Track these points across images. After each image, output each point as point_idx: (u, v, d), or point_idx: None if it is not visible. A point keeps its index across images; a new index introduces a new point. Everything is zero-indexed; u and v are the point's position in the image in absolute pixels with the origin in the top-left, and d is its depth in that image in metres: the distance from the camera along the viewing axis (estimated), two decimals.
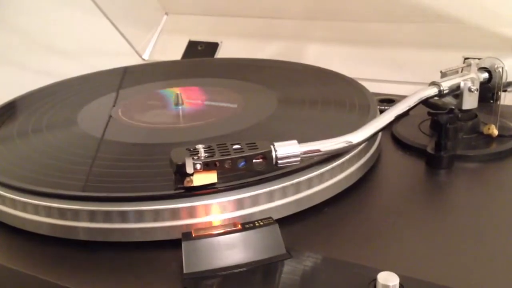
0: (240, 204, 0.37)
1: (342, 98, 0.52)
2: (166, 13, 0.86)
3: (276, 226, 0.35)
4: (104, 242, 0.37)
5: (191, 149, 0.37)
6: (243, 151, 0.36)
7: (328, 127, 0.46)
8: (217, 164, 0.36)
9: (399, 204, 0.41)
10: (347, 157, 0.42)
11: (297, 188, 0.39)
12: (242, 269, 0.33)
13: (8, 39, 0.96)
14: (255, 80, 0.59)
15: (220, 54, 0.79)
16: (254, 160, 0.36)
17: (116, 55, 0.88)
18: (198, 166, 0.35)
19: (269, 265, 0.33)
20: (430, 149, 0.46)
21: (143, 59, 0.84)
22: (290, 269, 0.33)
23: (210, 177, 0.36)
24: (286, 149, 0.37)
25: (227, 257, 0.33)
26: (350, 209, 0.41)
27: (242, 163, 0.36)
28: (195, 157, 0.35)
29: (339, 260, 0.33)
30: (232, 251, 0.33)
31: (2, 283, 0.37)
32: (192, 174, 0.36)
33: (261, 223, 0.35)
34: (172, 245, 0.36)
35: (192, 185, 0.36)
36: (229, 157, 0.36)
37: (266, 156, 0.37)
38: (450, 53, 0.68)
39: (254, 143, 0.37)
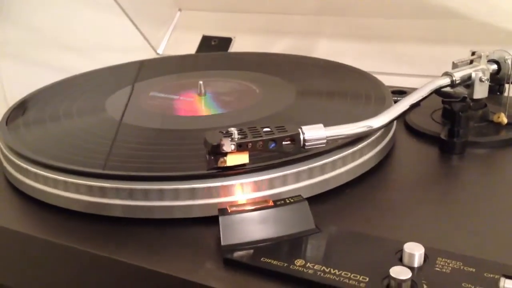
0: (270, 184, 0.39)
1: (358, 90, 0.55)
2: (180, 9, 0.89)
3: (306, 202, 0.37)
4: (140, 219, 0.39)
5: (224, 131, 0.39)
6: (273, 134, 0.39)
7: (346, 117, 0.49)
8: (250, 145, 0.38)
9: (416, 185, 0.44)
10: (366, 142, 0.44)
11: (322, 170, 0.41)
12: (274, 242, 0.35)
13: (22, 36, 0.98)
14: (273, 73, 0.62)
15: (234, 49, 0.81)
16: (283, 142, 0.39)
17: (129, 50, 0.90)
18: (233, 147, 0.37)
19: (299, 239, 0.35)
20: (443, 136, 0.49)
21: (158, 54, 0.86)
22: (319, 243, 0.35)
23: (243, 158, 0.38)
24: (313, 132, 0.39)
25: (260, 231, 0.36)
26: (370, 191, 0.43)
27: (273, 145, 0.39)
28: (229, 139, 0.37)
29: (365, 234, 0.36)
30: (265, 225, 0.36)
31: (51, 258, 0.39)
32: (225, 155, 0.38)
33: (292, 200, 0.37)
34: (205, 221, 0.38)
35: (225, 165, 0.38)
36: (261, 138, 0.38)
37: (295, 138, 0.39)
38: (458, 48, 0.70)
39: (283, 126, 0.40)
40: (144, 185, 0.38)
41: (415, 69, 0.72)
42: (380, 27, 0.76)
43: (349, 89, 0.56)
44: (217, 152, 0.38)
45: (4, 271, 0.43)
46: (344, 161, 0.42)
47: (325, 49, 0.78)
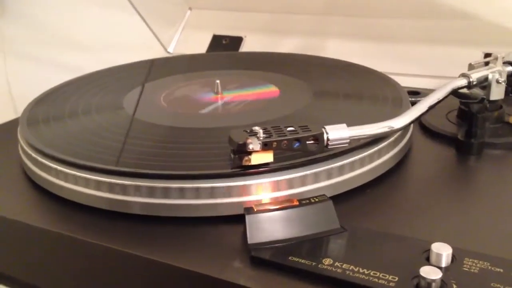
0: (293, 183, 0.39)
1: (375, 91, 0.55)
2: (190, 8, 0.89)
3: (330, 202, 0.37)
4: (160, 217, 0.39)
5: (248, 130, 0.39)
6: (297, 133, 0.39)
7: (363, 118, 0.49)
8: (275, 144, 0.38)
9: (436, 185, 0.44)
10: (387, 142, 0.44)
11: (344, 169, 0.41)
12: (300, 241, 0.35)
13: (28, 33, 0.98)
14: (288, 73, 0.62)
15: (244, 48, 0.82)
16: (307, 142, 0.39)
17: (136, 49, 0.90)
18: (258, 146, 0.38)
19: (325, 238, 0.36)
20: (460, 136, 0.49)
21: (168, 53, 0.86)
22: (345, 242, 0.35)
23: (267, 157, 0.39)
24: (337, 132, 0.40)
25: (285, 230, 0.36)
26: (391, 191, 0.43)
27: (297, 144, 0.39)
28: (256, 138, 0.38)
29: (390, 233, 0.36)
30: (290, 224, 0.36)
31: (75, 255, 0.39)
32: (250, 154, 0.38)
33: (316, 200, 0.37)
34: (228, 220, 0.39)
35: (250, 164, 0.38)
36: (286, 138, 0.38)
37: (319, 138, 0.39)
38: (468, 49, 0.70)
39: (306, 125, 0.40)
40: (167, 183, 0.38)
41: (423, 69, 0.72)
42: (388, 27, 0.76)
43: (365, 89, 0.56)
44: (243, 150, 0.38)
45: (23, 267, 0.43)
46: (365, 161, 0.43)
47: (333, 48, 0.78)
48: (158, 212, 0.39)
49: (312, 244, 0.35)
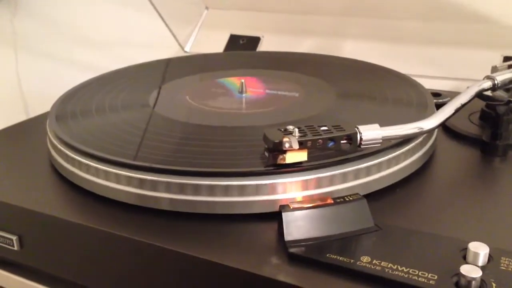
0: (326, 182, 0.40)
1: (399, 93, 0.55)
2: (207, 8, 0.89)
3: (364, 200, 0.38)
4: (192, 214, 0.40)
5: (282, 129, 0.40)
6: (332, 132, 0.40)
7: (389, 120, 0.49)
8: (310, 143, 0.39)
9: (463, 186, 0.45)
10: (415, 143, 0.45)
11: (376, 169, 0.42)
12: (336, 239, 0.36)
13: (41, 29, 0.98)
14: (310, 73, 0.62)
15: (261, 48, 0.82)
16: (341, 141, 0.40)
17: (151, 48, 0.91)
18: (296, 144, 0.38)
19: (361, 236, 0.36)
20: (485, 138, 0.50)
21: (185, 52, 0.87)
22: (381, 241, 0.36)
23: (301, 155, 0.39)
24: (370, 132, 0.40)
25: (321, 228, 0.36)
26: (420, 190, 0.44)
27: (331, 143, 0.39)
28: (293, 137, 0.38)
29: (425, 232, 0.36)
30: (325, 222, 0.37)
31: (114, 251, 0.40)
32: (285, 152, 0.39)
33: (350, 198, 0.38)
34: (261, 217, 0.39)
35: (284, 162, 0.39)
36: (321, 137, 0.39)
37: (352, 137, 0.40)
38: (486, 51, 0.71)
39: (339, 125, 0.41)
40: (204, 180, 0.39)
41: (440, 71, 0.73)
42: (405, 29, 0.77)
43: (388, 91, 0.56)
44: (278, 149, 0.38)
45: (59, 264, 0.43)
46: (394, 161, 0.43)
47: (350, 49, 0.79)
48: (193, 209, 0.40)
49: (349, 242, 0.36)
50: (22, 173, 0.48)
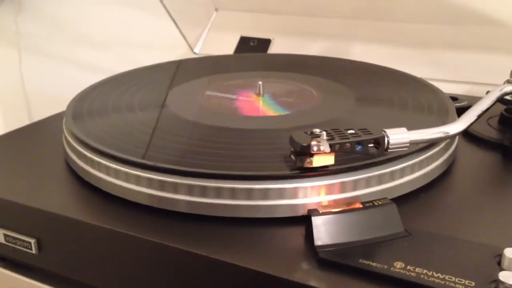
0: (352, 186, 0.39)
1: (419, 98, 0.54)
2: (216, 9, 0.89)
3: (394, 205, 0.37)
4: (216, 217, 0.39)
5: (308, 132, 0.39)
6: (359, 136, 0.39)
7: (411, 125, 0.49)
8: (338, 146, 0.38)
9: (488, 190, 0.44)
10: (439, 147, 0.44)
11: (402, 173, 0.41)
12: (367, 244, 0.35)
13: (44, 29, 0.97)
14: (325, 76, 0.62)
15: (272, 50, 0.82)
16: (368, 145, 0.39)
17: (159, 49, 0.90)
18: (327, 148, 0.37)
19: (392, 242, 0.35)
20: (507, 142, 0.49)
21: (195, 53, 0.86)
22: (413, 246, 0.35)
23: (329, 159, 0.38)
24: (397, 136, 0.40)
25: (351, 233, 0.36)
26: (445, 195, 0.43)
27: (359, 147, 0.39)
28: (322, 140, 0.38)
29: (457, 238, 0.36)
30: (355, 227, 0.36)
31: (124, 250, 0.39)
32: (312, 156, 0.38)
33: (379, 203, 0.37)
34: (287, 222, 0.39)
35: (311, 166, 0.38)
36: (348, 140, 0.38)
37: (380, 141, 0.39)
38: (498, 55, 0.70)
39: (366, 128, 0.40)
40: (231, 184, 0.38)
41: (452, 75, 0.72)
42: (416, 32, 0.76)
43: (408, 95, 0.55)
44: (306, 152, 0.38)
45: (74, 265, 0.43)
46: (420, 165, 0.43)
47: (360, 52, 0.78)
48: (215, 212, 0.39)
49: (380, 247, 0.35)
50: (38, 174, 0.48)
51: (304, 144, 0.37)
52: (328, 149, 0.37)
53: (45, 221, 0.42)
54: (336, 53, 0.79)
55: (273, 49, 0.82)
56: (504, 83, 0.52)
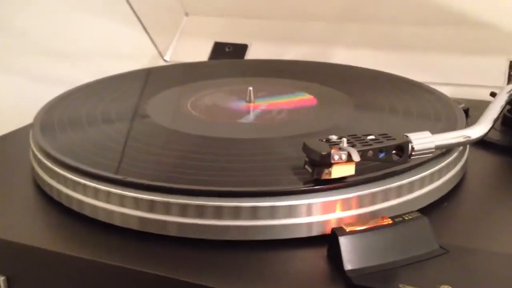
0: (373, 199, 0.35)
1: (424, 104, 0.51)
2: (186, 14, 0.83)
3: (426, 219, 0.33)
4: (220, 241, 0.34)
5: (324, 139, 0.35)
6: (382, 142, 0.35)
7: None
8: (360, 154, 0.33)
9: (508, 196, 0.41)
10: (455, 154, 0.40)
11: (422, 183, 0.37)
12: (402, 265, 0.31)
13: (6, 41, 0.89)
14: (322, 82, 0.57)
15: (249, 56, 0.77)
16: (392, 151, 0.35)
17: (131, 58, 0.83)
18: (344, 157, 0.33)
19: (430, 261, 0.31)
20: None
21: (165, 61, 0.80)
22: (452, 266, 0.31)
23: (349, 169, 0.34)
24: (422, 141, 0.35)
25: (382, 252, 0.31)
26: (466, 204, 0.40)
27: (382, 154, 0.34)
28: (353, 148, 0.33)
29: (499, 252, 0.32)
30: (386, 245, 0.31)
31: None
32: (331, 166, 0.33)
33: (410, 217, 0.33)
34: (303, 242, 0.34)
35: (329, 177, 0.34)
36: (372, 147, 0.34)
37: (404, 147, 0.35)
38: (491, 57, 0.68)
39: (386, 133, 0.36)
40: (235, 202, 0.33)
41: (445, 77, 0.69)
42: (403, 35, 0.74)
43: (410, 102, 0.51)
44: (325, 162, 0.33)
45: None
46: (440, 174, 0.39)
47: (343, 56, 0.75)
48: (224, 236, 0.34)
49: (417, 268, 0.30)
50: (1, 197, 0.41)
51: (324, 153, 0.33)
52: (357, 158, 0.32)
53: (13, 255, 0.36)
54: (318, 57, 0.75)
55: (250, 55, 0.77)
56: (508, 84, 0.49)
